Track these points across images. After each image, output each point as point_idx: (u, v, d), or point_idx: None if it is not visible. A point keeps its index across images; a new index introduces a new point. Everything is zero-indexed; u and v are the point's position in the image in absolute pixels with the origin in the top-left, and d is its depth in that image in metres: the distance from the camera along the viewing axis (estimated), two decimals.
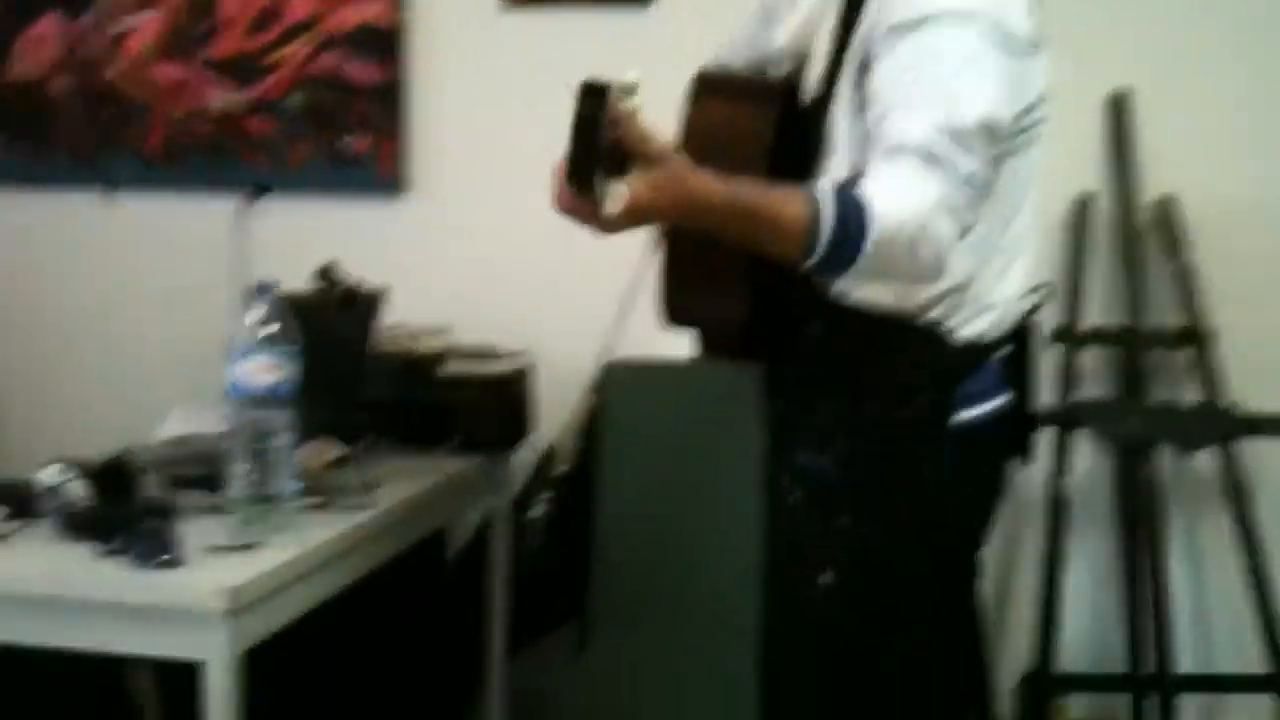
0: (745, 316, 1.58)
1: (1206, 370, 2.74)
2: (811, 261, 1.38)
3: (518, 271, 3.08)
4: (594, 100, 1.23)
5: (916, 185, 1.38)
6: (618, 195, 1.26)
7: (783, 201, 1.36)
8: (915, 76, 1.43)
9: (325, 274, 2.41)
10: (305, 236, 3.15)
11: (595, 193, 1.25)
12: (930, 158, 1.38)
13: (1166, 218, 2.82)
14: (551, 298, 3.00)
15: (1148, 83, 2.87)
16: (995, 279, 1.58)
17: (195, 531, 1.76)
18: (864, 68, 1.51)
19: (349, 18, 3.15)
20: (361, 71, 3.15)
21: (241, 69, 3.21)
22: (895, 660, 1.58)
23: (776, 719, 1.65)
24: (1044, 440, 2.81)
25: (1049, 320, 2.83)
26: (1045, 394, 2.81)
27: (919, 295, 1.54)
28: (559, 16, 3.08)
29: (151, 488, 1.85)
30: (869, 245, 1.36)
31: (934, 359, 1.56)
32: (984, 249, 1.55)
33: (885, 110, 1.44)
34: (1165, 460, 2.79)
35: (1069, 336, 2.79)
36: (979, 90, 1.43)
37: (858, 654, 1.58)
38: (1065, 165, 2.87)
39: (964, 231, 1.45)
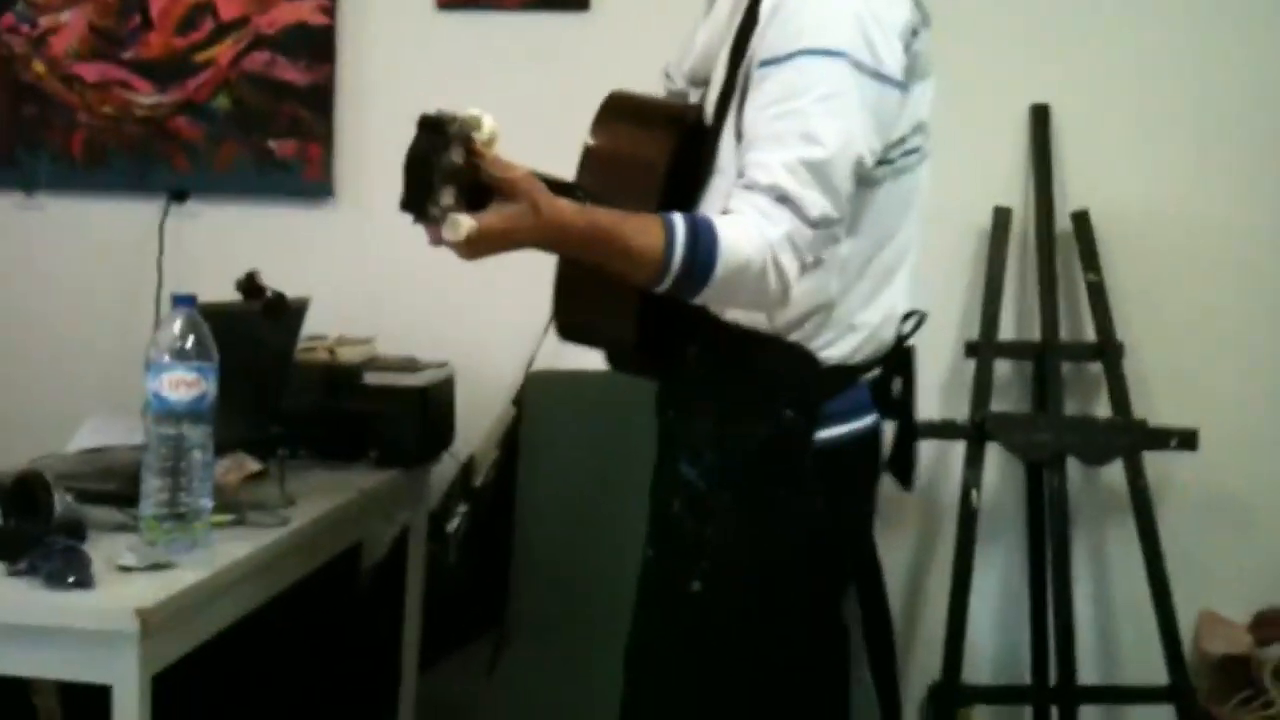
0: (634, 336, 1.64)
1: (1116, 384, 2.81)
2: (661, 287, 1.46)
3: (440, 281, 3.07)
4: (429, 136, 1.29)
5: (765, 223, 1.46)
6: (458, 225, 1.32)
7: (637, 231, 1.44)
8: (778, 112, 1.49)
9: (247, 283, 2.39)
10: (230, 241, 3.15)
11: (432, 221, 1.31)
12: (781, 197, 1.47)
13: (1081, 232, 2.88)
14: (474, 309, 3.01)
15: (1066, 99, 2.93)
16: (861, 303, 1.64)
17: (107, 549, 1.75)
18: (745, 94, 1.57)
19: (280, 17, 3.14)
20: (291, 72, 3.14)
21: (168, 69, 3.18)
22: (753, 668, 1.64)
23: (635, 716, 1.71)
24: (955, 453, 2.88)
25: (965, 333, 2.91)
26: (959, 406, 2.89)
27: (785, 316, 1.60)
28: (496, 18, 3.07)
29: (63, 504, 1.83)
30: (715, 277, 1.45)
31: (798, 378, 1.62)
32: (851, 273, 1.62)
33: (750, 142, 1.52)
34: (1074, 472, 2.86)
35: (983, 349, 2.85)
36: (840, 127, 1.49)
37: (717, 662, 1.64)
38: (986, 179, 2.94)
39: (812, 265, 1.53)
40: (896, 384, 1.73)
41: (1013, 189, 2.94)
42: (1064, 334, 2.89)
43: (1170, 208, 2.93)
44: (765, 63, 1.53)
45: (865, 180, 1.57)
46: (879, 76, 1.52)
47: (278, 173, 3.15)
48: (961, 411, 2.86)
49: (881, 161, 1.59)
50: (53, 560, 1.67)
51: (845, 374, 1.65)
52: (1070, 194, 2.92)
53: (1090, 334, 2.87)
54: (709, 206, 1.58)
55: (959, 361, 2.94)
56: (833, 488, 1.66)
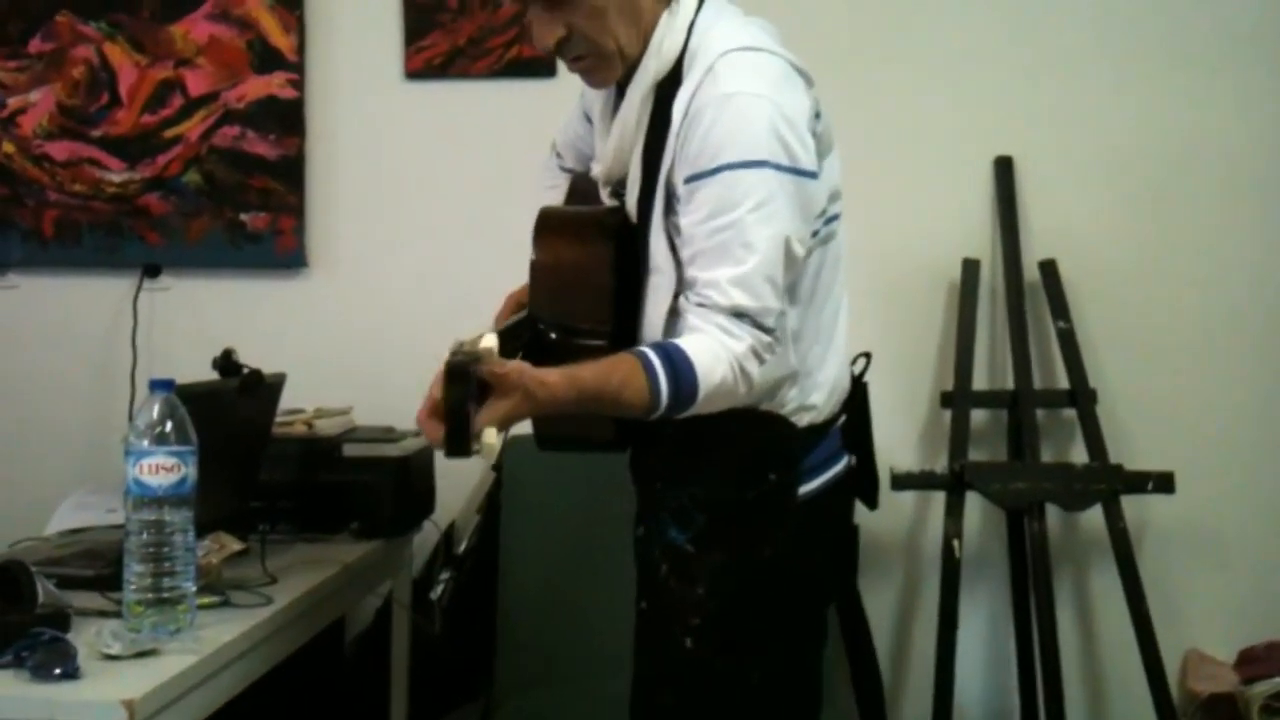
0: (613, 435, 1.75)
1: (1090, 429, 2.84)
2: (654, 418, 1.58)
3: (417, 348, 3.05)
4: (460, 385, 1.37)
5: (728, 340, 1.58)
6: (494, 450, 1.41)
7: (623, 385, 1.54)
8: (716, 226, 1.59)
9: (223, 361, 2.39)
10: (204, 314, 3.15)
11: (473, 454, 1.39)
12: (738, 314, 1.59)
13: (1049, 281, 2.92)
14: None
15: (1028, 150, 2.98)
16: (818, 363, 1.77)
17: (90, 635, 1.74)
18: (670, 199, 1.67)
19: (248, 91, 3.16)
20: (261, 146, 3.15)
21: (138, 146, 3.20)
22: (747, 712, 1.74)
23: None
24: (936, 502, 2.90)
25: (940, 383, 2.94)
26: (937, 456, 2.92)
27: (756, 392, 1.69)
28: (463, 86, 3.10)
29: (45, 591, 1.82)
30: (699, 399, 1.58)
31: (777, 443, 1.74)
32: (805, 341, 1.74)
33: (694, 255, 1.62)
34: (1054, 518, 2.88)
35: (959, 399, 2.87)
36: (774, 232, 1.60)
37: (713, 712, 1.75)
38: (953, 232, 2.98)
39: (771, 361, 1.64)
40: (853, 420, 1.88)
41: (980, 240, 2.98)
42: (1037, 381, 2.92)
43: (1136, 253, 2.97)
44: (692, 178, 1.62)
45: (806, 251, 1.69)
46: (798, 173, 1.62)
47: (250, 245, 3.16)
48: (940, 462, 2.88)
49: (813, 235, 1.71)
50: (38, 652, 1.66)
51: (818, 430, 1.78)
52: (1036, 244, 2.96)
53: (1063, 381, 2.90)
54: (653, 302, 1.69)
55: (935, 412, 2.97)
56: (815, 534, 1.79)
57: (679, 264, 1.66)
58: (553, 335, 1.69)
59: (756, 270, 1.59)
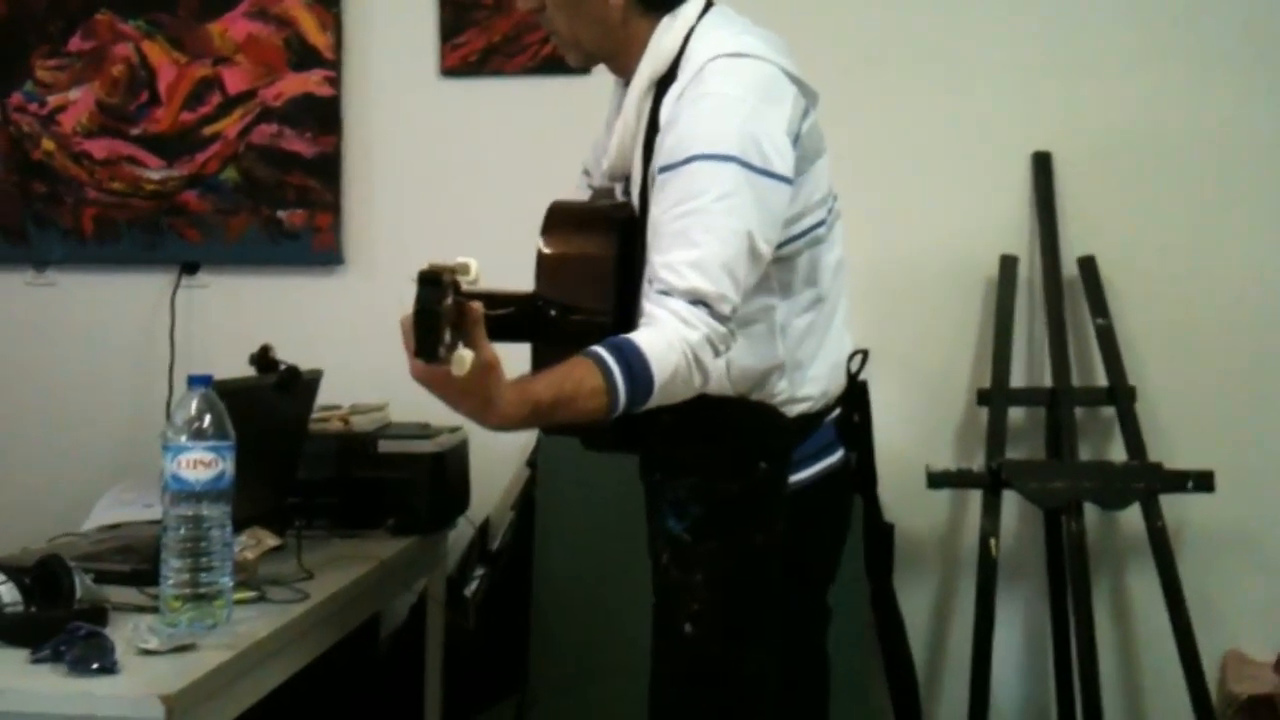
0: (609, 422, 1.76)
1: (1129, 428, 2.81)
2: (614, 416, 1.60)
3: None
4: (430, 290, 1.40)
5: (683, 329, 1.60)
6: (463, 361, 1.43)
7: (578, 392, 1.56)
8: (680, 211, 1.63)
9: (261, 358, 2.40)
10: (241, 312, 3.17)
11: (442, 362, 1.42)
12: (695, 300, 1.60)
13: (1088, 278, 2.89)
14: None
15: (1066, 145, 2.95)
16: (809, 358, 1.82)
17: (127, 630, 1.75)
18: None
19: (286, 89, 3.18)
20: (298, 143, 3.17)
21: (176, 143, 3.22)
22: (743, 695, 1.81)
23: None
24: (973, 501, 2.88)
25: (977, 381, 2.92)
26: (974, 455, 2.90)
27: (746, 381, 1.77)
28: (498, 84, 3.11)
29: (83, 587, 1.83)
30: (654, 394, 1.59)
31: (768, 433, 1.80)
32: (794, 335, 1.80)
33: (655, 241, 1.66)
34: (1092, 517, 2.85)
35: (996, 397, 2.85)
36: (737, 224, 1.63)
37: (711, 693, 1.81)
38: (990, 228, 2.96)
39: (726, 352, 1.68)
40: (855, 417, 1.94)
41: (1018, 237, 2.96)
42: (1075, 379, 2.89)
43: (1175, 250, 2.94)
44: (664, 169, 1.67)
45: (781, 257, 1.75)
46: (767, 174, 1.66)
47: (287, 242, 3.18)
48: (977, 460, 2.86)
49: (795, 238, 1.77)
50: (76, 647, 1.67)
51: (809, 421, 1.85)
52: (1075, 240, 2.93)
53: (1102, 378, 2.87)
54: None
55: (972, 410, 2.95)
56: (805, 521, 1.87)
57: None
58: (552, 312, 1.71)
59: (714, 256, 1.61)
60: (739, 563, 1.79)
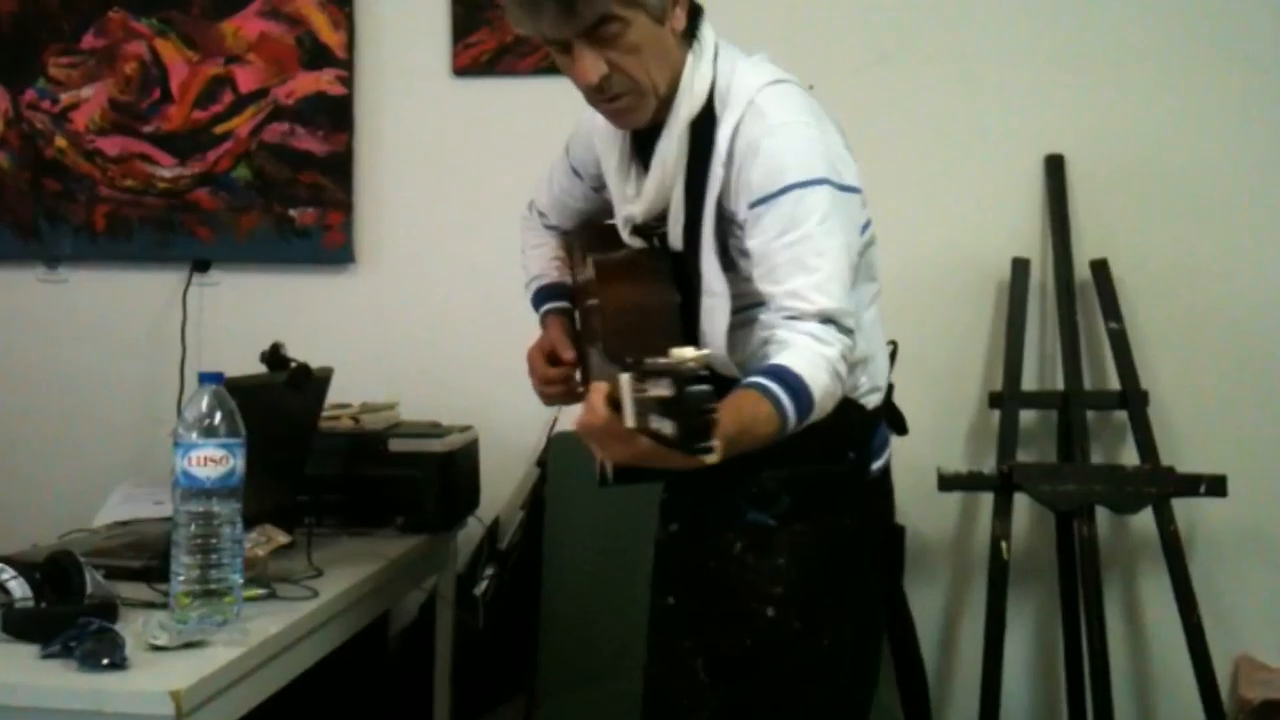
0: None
1: (1141, 431, 2.80)
2: (784, 436, 1.64)
3: (462, 344, 3.10)
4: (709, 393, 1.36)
5: (820, 346, 1.66)
6: (717, 451, 1.40)
7: (756, 420, 1.59)
8: (789, 240, 1.69)
9: (272, 355, 2.40)
10: (253, 309, 3.18)
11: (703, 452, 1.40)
12: (825, 319, 1.67)
13: (1100, 281, 2.88)
14: (496, 372, 2.99)
15: (1079, 148, 2.94)
16: (879, 349, 1.90)
17: (138, 626, 1.75)
18: (724, 224, 1.77)
19: (298, 88, 3.18)
20: (310, 142, 3.17)
21: (189, 141, 3.22)
22: (831, 667, 1.85)
23: None
24: (984, 503, 2.87)
25: (989, 384, 2.91)
26: (985, 458, 2.89)
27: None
28: (510, 83, 3.11)
29: (93, 582, 1.83)
30: (815, 409, 1.65)
31: (851, 424, 1.84)
32: (869, 327, 1.86)
33: (769, 271, 1.71)
34: (1104, 520, 2.85)
35: (1007, 400, 2.84)
36: (841, 242, 1.71)
37: (806, 668, 1.83)
38: (1003, 231, 2.95)
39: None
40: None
41: (1030, 240, 2.95)
42: (1087, 382, 2.89)
43: (1188, 253, 2.93)
44: (757, 202, 1.72)
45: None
46: (848, 189, 1.75)
47: (299, 240, 3.18)
48: (988, 463, 2.86)
49: (865, 240, 1.85)
50: (86, 642, 1.67)
51: (879, 412, 1.91)
52: (1087, 243, 2.92)
53: (1114, 382, 2.87)
54: (710, 322, 1.80)
55: (983, 412, 2.95)
56: (879, 511, 1.98)
57: (732, 284, 1.77)
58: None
59: (832, 276, 1.69)
60: (824, 544, 1.84)
